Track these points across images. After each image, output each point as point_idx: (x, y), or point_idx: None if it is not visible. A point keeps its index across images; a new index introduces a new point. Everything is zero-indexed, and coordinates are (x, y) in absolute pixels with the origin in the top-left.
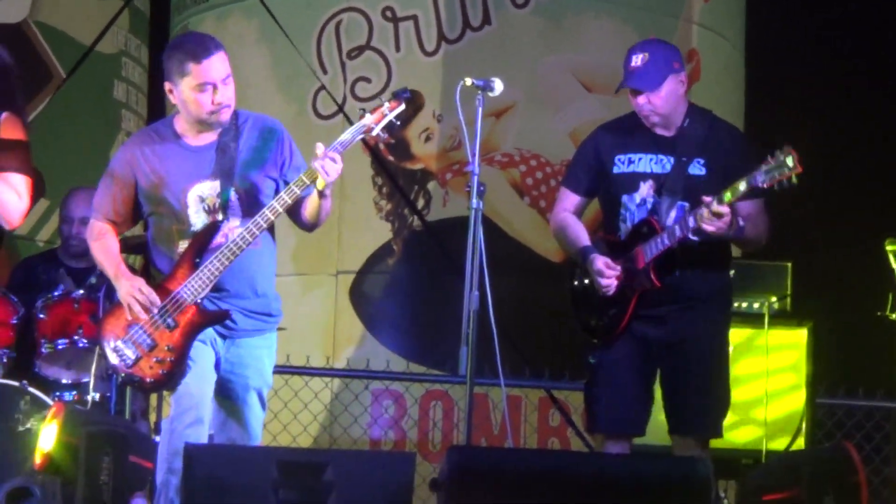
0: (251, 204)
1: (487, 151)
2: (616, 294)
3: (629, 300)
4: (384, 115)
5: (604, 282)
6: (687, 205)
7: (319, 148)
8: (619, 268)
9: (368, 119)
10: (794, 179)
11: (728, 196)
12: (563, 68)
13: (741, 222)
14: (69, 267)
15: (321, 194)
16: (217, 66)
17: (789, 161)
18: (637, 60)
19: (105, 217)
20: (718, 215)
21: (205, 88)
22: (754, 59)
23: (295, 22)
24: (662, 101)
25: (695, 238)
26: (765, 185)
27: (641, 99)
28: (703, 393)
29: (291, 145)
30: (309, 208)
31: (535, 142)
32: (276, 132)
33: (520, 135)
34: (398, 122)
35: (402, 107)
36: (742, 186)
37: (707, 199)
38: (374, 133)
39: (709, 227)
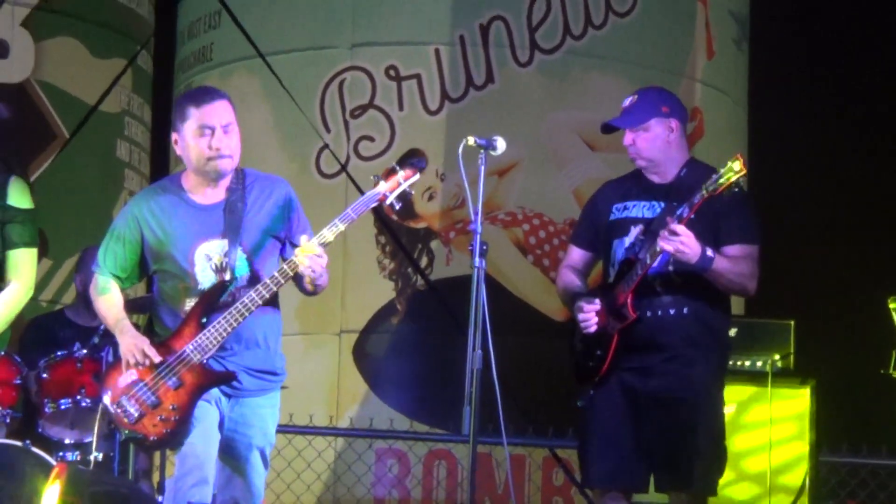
0: (258, 263)
1: (491, 210)
2: (599, 333)
3: (611, 338)
4: (398, 185)
5: (581, 317)
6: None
7: (304, 241)
8: (597, 302)
9: (383, 187)
10: (741, 182)
11: (684, 211)
12: (566, 127)
13: (710, 253)
14: (79, 325)
15: (311, 282)
16: (218, 111)
17: (735, 165)
18: (627, 102)
19: (110, 272)
20: (672, 233)
21: (204, 132)
22: (757, 116)
23: (298, 81)
24: (646, 143)
25: (671, 269)
26: (717, 192)
27: (627, 139)
28: (695, 450)
29: (299, 208)
30: (305, 284)
31: (539, 200)
32: (290, 201)
33: (523, 193)
34: (412, 192)
35: (417, 176)
36: (695, 198)
37: (668, 218)
38: (387, 203)
39: (666, 246)
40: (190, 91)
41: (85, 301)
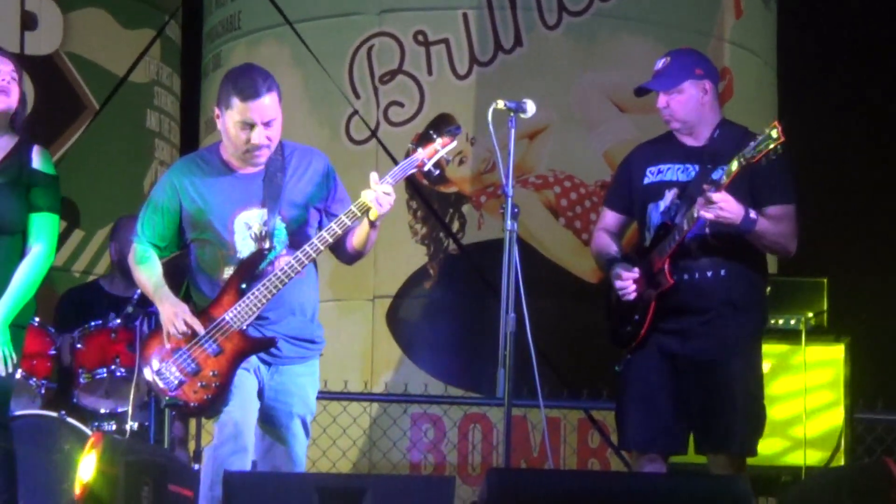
0: (297, 233)
1: (521, 173)
2: (637, 299)
3: (649, 304)
4: (436, 151)
5: (619, 284)
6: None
7: (374, 178)
8: (636, 271)
9: (421, 154)
10: (780, 149)
11: (724, 179)
12: (596, 89)
13: (753, 214)
14: (113, 295)
15: (372, 224)
16: (262, 108)
17: (773, 133)
18: (660, 64)
19: (149, 241)
20: (710, 202)
21: (245, 126)
22: (787, 76)
23: (327, 48)
24: (680, 106)
25: (708, 233)
26: (754, 160)
27: (661, 101)
28: (733, 411)
29: (336, 178)
30: (357, 238)
31: (569, 163)
32: (329, 172)
33: (553, 156)
34: (449, 159)
35: (454, 143)
36: (734, 166)
37: (705, 186)
38: (425, 168)
39: (707, 214)
40: (239, 73)
41: (120, 271)
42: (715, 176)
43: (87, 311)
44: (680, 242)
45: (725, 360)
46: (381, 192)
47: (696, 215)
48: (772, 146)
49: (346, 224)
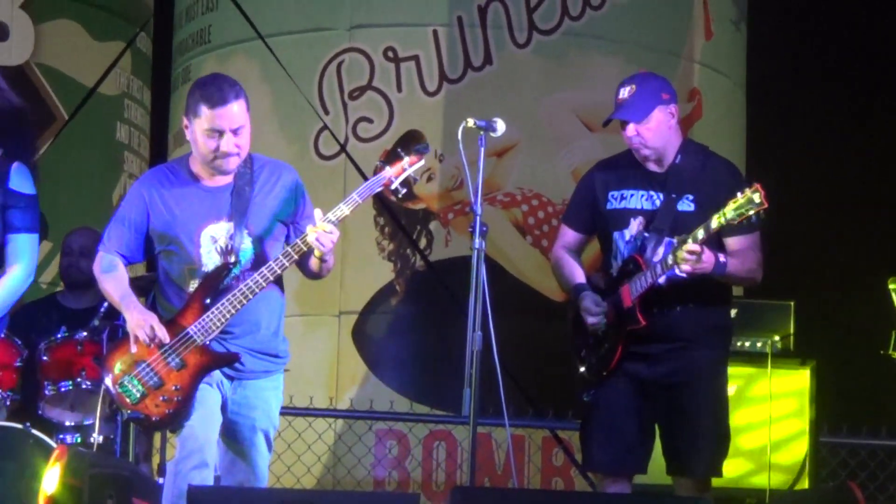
0: (263, 248)
1: (489, 191)
2: (606, 332)
3: (619, 339)
4: (404, 170)
5: (590, 320)
6: (675, 241)
7: (318, 215)
8: (605, 305)
9: (388, 172)
10: (762, 215)
11: (700, 233)
12: (564, 107)
13: (722, 258)
14: (70, 309)
15: (320, 258)
16: (230, 115)
17: (756, 198)
18: (625, 92)
19: (115, 250)
20: (692, 253)
21: (213, 135)
22: (756, 97)
23: (297, 62)
24: (652, 134)
25: (682, 274)
26: (734, 222)
27: (630, 131)
28: (699, 435)
29: (306, 194)
30: (312, 264)
31: (537, 181)
32: (298, 187)
33: (522, 174)
34: (417, 178)
35: (422, 162)
36: (712, 223)
37: (680, 238)
38: (392, 187)
39: (685, 267)
40: (206, 82)
41: (67, 282)
42: (681, 207)
43: (41, 323)
44: (651, 285)
45: (692, 383)
46: (321, 232)
47: (669, 263)
48: (752, 212)
49: (293, 257)
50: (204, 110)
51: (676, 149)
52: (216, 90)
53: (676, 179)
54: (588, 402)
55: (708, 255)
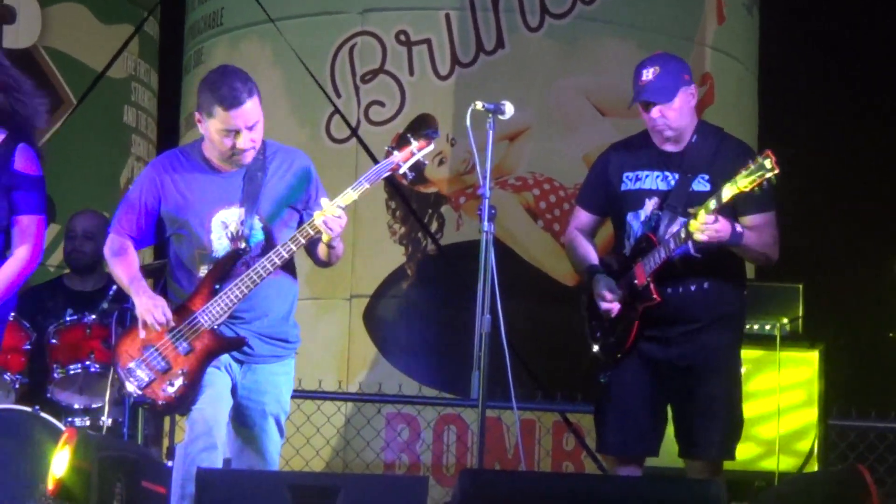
0: (274, 233)
1: (501, 175)
2: (621, 312)
3: (634, 318)
4: (412, 154)
5: (604, 305)
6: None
7: (325, 202)
8: (620, 291)
9: (397, 156)
10: (774, 180)
11: (712, 204)
12: (576, 91)
13: (739, 228)
14: (75, 291)
15: (328, 244)
16: (245, 115)
17: (767, 163)
18: (648, 74)
19: (126, 233)
20: (706, 224)
21: (228, 134)
22: (768, 82)
23: (309, 46)
24: (676, 114)
25: (696, 253)
26: (746, 190)
27: (655, 112)
28: (712, 418)
29: (317, 181)
30: (320, 251)
31: (549, 165)
32: (309, 174)
33: (533, 158)
34: (426, 162)
35: (431, 147)
36: (725, 192)
37: (691, 210)
38: (401, 171)
39: (701, 237)
40: (218, 82)
41: (72, 266)
42: (695, 186)
43: (47, 307)
44: (666, 260)
45: (706, 366)
46: (330, 216)
47: (683, 237)
48: (766, 176)
49: (300, 241)
50: (218, 111)
51: (693, 129)
52: (229, 91)
53: (692, 159)
54: (603, 385)
55: (724, 223)
